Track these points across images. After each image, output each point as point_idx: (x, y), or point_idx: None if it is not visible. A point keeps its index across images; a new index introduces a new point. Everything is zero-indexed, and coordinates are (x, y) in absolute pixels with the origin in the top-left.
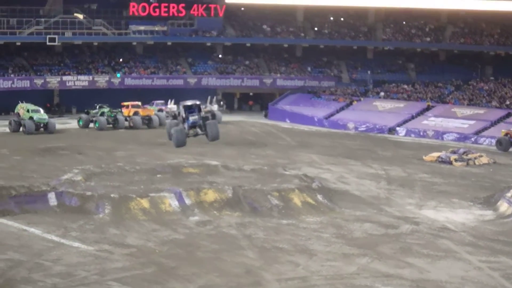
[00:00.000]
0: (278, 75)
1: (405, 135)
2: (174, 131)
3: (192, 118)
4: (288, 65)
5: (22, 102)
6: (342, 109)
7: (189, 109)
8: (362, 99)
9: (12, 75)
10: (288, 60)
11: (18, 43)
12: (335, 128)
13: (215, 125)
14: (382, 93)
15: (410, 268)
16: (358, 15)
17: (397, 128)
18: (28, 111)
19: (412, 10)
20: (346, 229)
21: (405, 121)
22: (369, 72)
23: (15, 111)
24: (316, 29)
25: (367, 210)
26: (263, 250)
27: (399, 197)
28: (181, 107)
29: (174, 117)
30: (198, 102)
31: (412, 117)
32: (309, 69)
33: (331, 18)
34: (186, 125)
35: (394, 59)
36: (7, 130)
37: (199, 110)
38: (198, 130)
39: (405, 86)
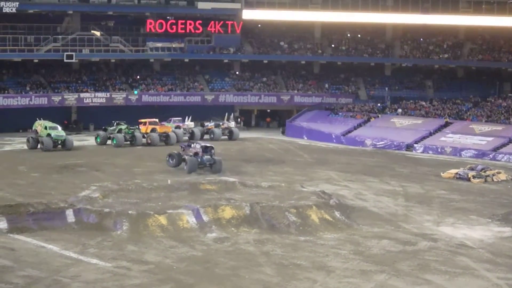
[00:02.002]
0: (296, 92)
1: (423, 151)
2: (189, 160)
3: (206, 157)
4: (306, 82)
5: (39, 119)
6: (359, 126)
7: (205, 149)
8: (379, 116)
9: (30, 92)
10: (306, 77)
11: (36, 60)
12: (352, 145)
13: (220, 163)
14: (399, 110)
15: (428, 285)
16: (375, 32)
17: (415, 145)
18: (45, 128)
19: (429, 26)
20: (364, 245)
21: (423, 138)
22: (386, 89)
23: (33, 128)
24: (333, 46)
25: (385, 227)
26: (281, 266)
27: (417, 214)
28: (198, 145)
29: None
30: (213, 146)
31: (430, 134)
32: (326, 86)
33: (349, 35)
34: (199, 159)
35: (412, 76)
36: (25, 147)
37: (212, 152)
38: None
39: (423, 103)
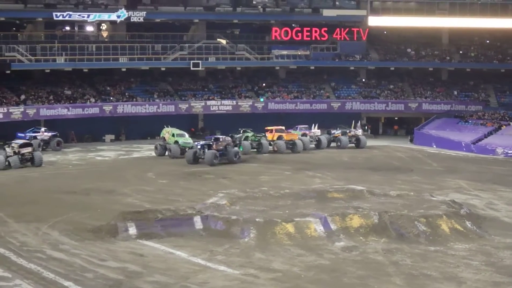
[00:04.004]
0: (424, 99)
1: None
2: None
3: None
4: (434, 89)
5: (167, 126)
6: (490, 134)
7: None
8: (511, 123)
9: (157, 100)
10: (434, 84)
11: (163, 69)
12: (483, 154)
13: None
14: None
15: None
16: (505, 38)
17: None
18: (173, 135)
19: None
20: (496, 256)
21: None
22: None
23: (161, 135)
24: (461, 52)
25: None
26: (410, 277)
27: None
28: (228, 138)
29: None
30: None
31: None
32: (455, 93)
33: (477, 41)
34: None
35: None
36: (153, 154)
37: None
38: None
39: None
